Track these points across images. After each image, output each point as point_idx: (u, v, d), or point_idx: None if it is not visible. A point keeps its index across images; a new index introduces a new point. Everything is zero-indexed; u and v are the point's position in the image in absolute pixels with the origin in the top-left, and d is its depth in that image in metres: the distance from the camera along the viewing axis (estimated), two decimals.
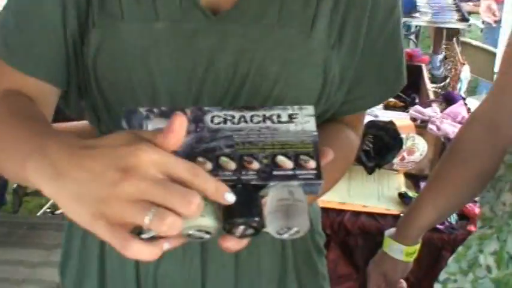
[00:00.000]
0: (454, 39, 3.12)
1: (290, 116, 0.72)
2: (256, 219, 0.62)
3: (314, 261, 1.12)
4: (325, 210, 1.78)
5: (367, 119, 1.98)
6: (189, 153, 0.65)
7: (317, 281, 1.13)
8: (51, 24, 0.86)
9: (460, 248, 1.18)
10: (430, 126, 1.94)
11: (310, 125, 0.71)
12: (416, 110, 2.02)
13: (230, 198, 0.60)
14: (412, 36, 5.05)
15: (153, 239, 0.60)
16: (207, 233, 0.63)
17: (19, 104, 0.83)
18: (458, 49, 3.00)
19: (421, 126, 1.99)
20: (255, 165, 0.65)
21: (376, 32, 0.93)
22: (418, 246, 1.32)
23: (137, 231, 0.59)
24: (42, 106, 0.86)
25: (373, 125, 1.89)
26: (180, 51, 0.85)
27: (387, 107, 2.40)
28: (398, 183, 1.97)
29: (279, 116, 0.71)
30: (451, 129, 1.94)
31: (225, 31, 0.86)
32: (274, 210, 0.64)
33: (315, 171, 0.66)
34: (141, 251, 0.57)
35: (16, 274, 2.25)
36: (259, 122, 0.70)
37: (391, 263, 1.33)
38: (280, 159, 0.66)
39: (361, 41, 0.92)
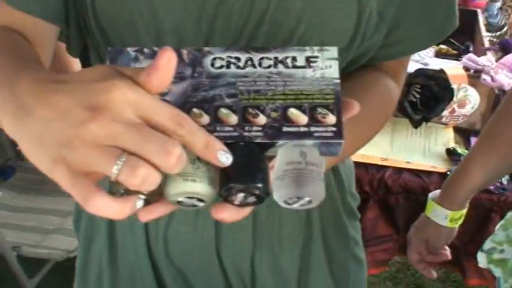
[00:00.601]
0: None
1: (308, 60, 0.59)
2: (259, 185, 0.52)
3: (344, 226, 1.01)
4: (365, 166, 1.67)
5: (415, 66, 1.84)
6: (182, 103, 0.55)
7: (347, 246, 1.03)
8: None
9: (509, 214, 1.05)
10: (483, 76, 1.77)
11: (332, 70, 0.59)
12: (469, 58, 1.85)
13: (224, 158, 0.50)
14: None
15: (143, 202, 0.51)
16: (200, 200, 0.53)
17: (8, 40, 0.73)
18: None
19: (474, 77, 1.82)
20: (262, 119, 0.55)
21: None
22: (464, 211, 1.20)
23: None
24: (38, 46, 0.77)
25: (421, 73, 1.74)
26: None
27: (438, 54, 2.24)
28: (447, 138, 1.83)
29: (294, 59, 0.59)
30: (506, 80, 1.78)
31: None
32: (281, 175, 0.53)
33: (334, 128, 0.54)
34: (106, 207, 0.46)
35: (46, 223, 2.22)
36: (269, 66, 0.58)
37: (434, 229, 1.22)
38: (292, 112, 0.55)
39: None
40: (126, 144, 0.46)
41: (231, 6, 0.73)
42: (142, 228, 0.93)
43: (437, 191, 1.23)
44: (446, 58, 2.19)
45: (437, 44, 2.24)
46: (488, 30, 2.48)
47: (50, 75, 0.52)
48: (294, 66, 0.58)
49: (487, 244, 1.07)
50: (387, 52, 0.85)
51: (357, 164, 1.65)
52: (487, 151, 1.13)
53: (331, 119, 0.55)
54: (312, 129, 0.54)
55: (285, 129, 0.54)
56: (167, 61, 0.48)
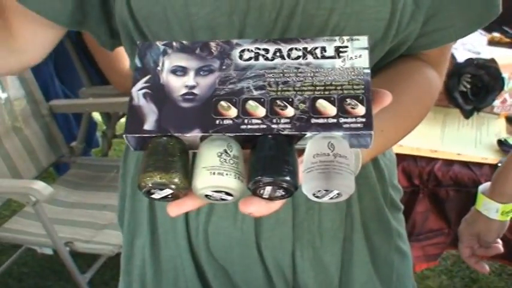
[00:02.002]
0: None
1: (337, 50, 0.58)
2: (287, 178, 0.51)
3: (386, 218, 0.99)
4: (414, 159, 1.63)
5: (467, 55, 1.79)
6: (210, 96, 0.55)
7: (390, 239, 1.00)
8: None
9: None
10: None
11: (362, 60, 0.57)
12: None
13: None
14: None
15: (166, 198, 0.53)
16: (228, 194, 0.53)
17: None
18: None
19: None
20: (290, 111, 0.54)
21: None
22: None
23: (147, 190, 0.52)
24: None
25: (471, 63, 1.69)
26: None
27: (491, 43, 2.17)
28: (498, 128, 1.77)
29: (323, 49, 0.58)
30: None
31: None
32: (309, 167, 0.52)
33: (363, 119, 0.53)
34: None
35: (98, 218, 2.26)
36: (298, 57, 0.57)
37: (485, 222, 1.19)
38: (321, 103, 0.54)
39: None
40: None
41: (263, 0, 0.72)
42: (183, 222, 0.93)
43: (487, 184, 1.20)
44: (499, 46, 2.13)
45: (490, 32, 2.18)
46: None
47: None
48: (323, 57, 0.57)
49: None
50: (426, 41, 0.82)
51: (406, 157, 1.63)
52: None
53: (361, 110, 0.53)
54: (341, 120, 0.53)
55: (313, 120, 0.53)
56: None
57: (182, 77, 0.57)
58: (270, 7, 0.72)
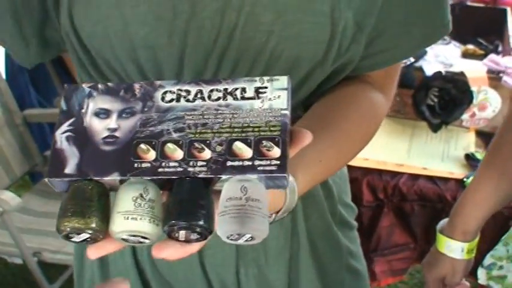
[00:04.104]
0: None
1: (257, 90, 0.57)
2: (200, 223, 0.51)
3: (335, 236, 0.98)
4: (379, 173, 1.62)
5: (435, 68, 1.78)
6: (130, 139, 0.55)
7: (340, 258, 0.99)
8: None
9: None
10: (504, 78, 1.70)
11: (281, 101, 0.56)
12: (490, 59, 1.79)
13: None
14: None
15: (85, 241, 0.54)
16: (144, 238, 0.53)
17: None
18: None
19: (496, 79, 1.75)
20: (207, 153, 0.54)
21: None
22: (478, 237, 1.11)
23: (66, 235, 0.53)
24: None
25: (439, 76, 1.69)
26: None
27: (465, 55, 2.16)
28: (467, 142, 1.77)
29: (243, 90, 0.58)
30: None
31: None
32: (222, 211, 0.52)
33: (277, 162, 0.53)
34: None
35: None
36: (218, 98, 0.57)
37: (450, 264, 1.12)
38: (237, 145, 0.54)
39: None
40: None
41: (202, 21, 0.72)
42: (130, 253, 0.93)
43: (445, 221, 1.14)
44: (473, 59, 2.13)
45: (465, 44, 2.18)
46: None
47: None
48: (243, 98, 0.57)
49: (487, 260, 1.01)
50: (370, 63, 0.81)
51: (371, 171, 1.63)
52: (496, 175, 1.04)
53: (276, 152, 0.53)
54: (256, 163, 0.53)
55: (229, 163, 0.53)
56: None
57: (105, 119, 0.57)
58: (209, 28, 0.72)
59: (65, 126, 0.57)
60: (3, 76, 2.59)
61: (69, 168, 0.54)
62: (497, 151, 1.06)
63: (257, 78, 0.58)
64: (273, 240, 0.90)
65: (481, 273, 1.06)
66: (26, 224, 2.27)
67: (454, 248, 1.10)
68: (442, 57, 1.99)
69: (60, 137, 0.56)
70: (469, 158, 1.65)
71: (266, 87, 0.57)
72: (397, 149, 1.70)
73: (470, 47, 2.17)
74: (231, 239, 0.52)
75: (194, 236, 0.52)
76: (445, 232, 1.12)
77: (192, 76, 0.75)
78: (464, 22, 2.11)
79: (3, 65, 2.88)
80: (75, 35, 0.77)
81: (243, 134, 0.54)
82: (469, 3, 2.36)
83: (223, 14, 0.71)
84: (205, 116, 0.56)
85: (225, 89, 0.58)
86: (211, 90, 0.58)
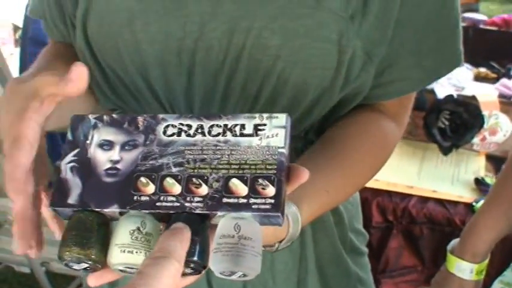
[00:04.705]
0: None
1: (256, 127, 0.58)
2: (193, 259, 0.52)
3: (345, 263, 0.98)
4: (389, 194, 1.62)
5: (450, 90, 1.78)
6: (131, 172, 0.56)
7: (349, 284, 0.99)
8: None
9: None
10: None
11: (278, 139, 0.57)
12: (502, 83, 1.80)
13: None
14: None
15: (85, 270, 0.56)
16: None
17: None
18: None
19: (507, 103, 1.75)
20: (204, 189, 0.54)
21: None
22: (488, 259, 1.12)
23: (66, 263, 0.55)
24: None
25: (451, 99, 1.70)
26: (169, 16, 0.74)
27: (477, 78, 2.17)
28: (477, 165, 1.77)
29: (242, 126, 0.58)
30: None
31: None
32: (216, 248, 0.53)
33: (272, 200, 0.53)
34: None
35: None
36: (218, 134, 0.58)
37: (458, 284, 1.12)
38: (234, 183, 0.54)
39: (394, 10, 0.74)
40: None
41: (210, 41, 0.73)
42: None
43: (455, 242, 1.14)
44: (485, 82, 2.13)
45: (477, 67, 2.19)
46: None
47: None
48: (242, 135, 0.58)
49: (496, 285, 1.01)
50: (381, 92, 0.81)
51: (381, 192, 1.63)
52: (506, 202, 1.05)
53: (271, 190, 0.53)
54: (251, 200, 0.53)
55: (224, 200, 0.54)
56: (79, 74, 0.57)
57: (108, 151, 0.58)
58: (217, 49, 0.73)
59: (70, 157, 0.58)
60: None
61: (72, 198, 0.56)
62: (507, 178, 1.07)
63: (257, 115, 0.58)
64: (281, 264, 0.90)
65: None
66: None
67: (464, 269, 1.11)
68: (454, 79, 1.99)
69: (65, 166, 0.58)
70: (479, 183, 1.65)
71: (265, 125, 0.58)
72: (407, 171, 1.70)
73: (483, 70, 2.17)
74: (224, 275, 0.53)
75: (188, 271, 0.53)
76: (455, 253, 1.12)
77: (202, 94, 0.77)
78: (477, 45, 2.12)
79: (17, 74, 2.92)
80: (87, 48, 0.79)
81: (240, 171, 0.55)
82: (482, 27, 2.37)
83: (231, 36, 0.73)
84: (204, 152, 0.57)
85: (225, 125, 0.58)
86: (212, 126, 0.58)
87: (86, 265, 0.54)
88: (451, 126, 1.68)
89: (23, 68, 2.94)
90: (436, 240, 1.58)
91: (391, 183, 1.64)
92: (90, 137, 0.59)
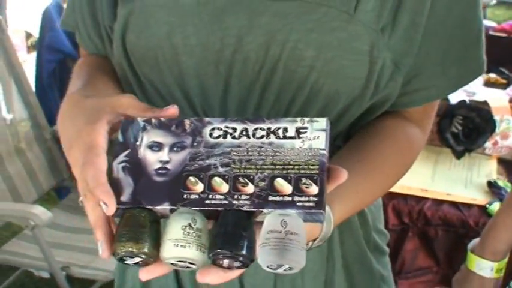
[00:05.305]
0: None
1: (298, 130, 0.62)
2: (243, 252, 0.56)
3: (369, 262, 1.01)
4: (404, 197, 1.66)
5: (461, 96, 1.83)
6: (180, 171, 0.60)
7: (372, 282, 1.03)
8: None
9: None
10: None
11: (320, 141, 0.61)
12: None
13: (104, 207, 0.58)
14: None
15: (138, 264, 0.59)
16: (191, 263, 0.58)
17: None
18: None
19: None
20: (250, 188, 0.58)
21: (443, 10, 0.79)
22: (507, 257, 1.15)
23: (120, 258, 0.58)
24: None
25: (464, 105, 1.74)
26: (207, 29, 0.78)
27: (487, 84, 2.21)
28: (489, 169, 1.81)
29: (285, 129, 0.62)
30: None
31: (255, 9, 0.76)
32: (263, 243, 0.56)
33: (315, 199, 0.57)
34: None
35: (96, 244, 2.27)
36: (262, 136, 0.62)
37: (479, 282, 1.16)
38: (279, 182, 0.58)
39: (422, 23, 0.78)
40: None
41: (247, 53, 0.77)
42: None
43: (476, 241, 1.18)
44: (495, 87, 2.17)
45: (487, 73, 2.22)
46: None
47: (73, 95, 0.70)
48: (285, 137, 0.61)
49: None
50: (407, 100, 0.85)
51: (397, 195, 1.67)
52: None
53: (314, 189, 0.57)
54: (295, 199, 0.57)
55: (270, 198, 0.57)
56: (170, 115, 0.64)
57: (157, 152, 0.62)
58: (253, 60, 0.77)
59: (121, 157, 0.62)
60: (33, 91, 2.66)
61: (125, 197, 0.59)
62: None
63: (298, 119, 0.62)
64: (309, 262, 0.93)
65: None
66: (55, 239, 2.31)
67: (484, 267, 1.14)
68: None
69: (117, 166, 0.61)
70: (491, 185, 1.69)
71: (306, 128, 0.62)
72: (422, 175, 1.74)
73: (493, 75, 2.21)
74: (271, 268, 0.56)
75: (237, 264, 0.57)
76: (475, 251, 1.15)
77: (236, 104, 0.80)
78: (486, 51, 2.15)
79: (33, 81, 2.95)
80: (125, 59, 0.82)
81: (284, 171, 0.58)
82: (491, 33, 2.41)
83: (267, 48, 0.76)
84: (249, 153, 0.60)
85: (269, 128, 0.62)
86: (256, 129, 0.62)
87: (139, 259, 0.57)
88: (464, 130, 1.72)
89: (39, 74, 3.00)
90: (450, 242, 1.61)
91: (406, 187, 1.68)
92: (139, 139, 0.63)
